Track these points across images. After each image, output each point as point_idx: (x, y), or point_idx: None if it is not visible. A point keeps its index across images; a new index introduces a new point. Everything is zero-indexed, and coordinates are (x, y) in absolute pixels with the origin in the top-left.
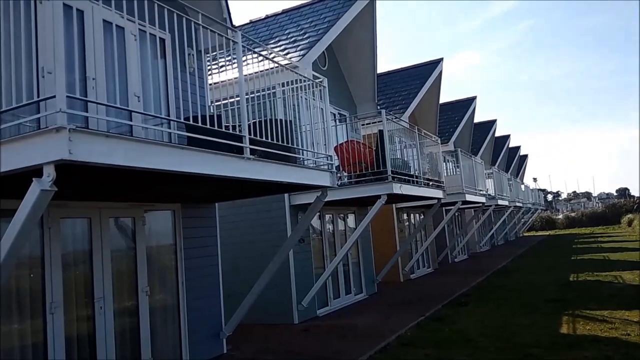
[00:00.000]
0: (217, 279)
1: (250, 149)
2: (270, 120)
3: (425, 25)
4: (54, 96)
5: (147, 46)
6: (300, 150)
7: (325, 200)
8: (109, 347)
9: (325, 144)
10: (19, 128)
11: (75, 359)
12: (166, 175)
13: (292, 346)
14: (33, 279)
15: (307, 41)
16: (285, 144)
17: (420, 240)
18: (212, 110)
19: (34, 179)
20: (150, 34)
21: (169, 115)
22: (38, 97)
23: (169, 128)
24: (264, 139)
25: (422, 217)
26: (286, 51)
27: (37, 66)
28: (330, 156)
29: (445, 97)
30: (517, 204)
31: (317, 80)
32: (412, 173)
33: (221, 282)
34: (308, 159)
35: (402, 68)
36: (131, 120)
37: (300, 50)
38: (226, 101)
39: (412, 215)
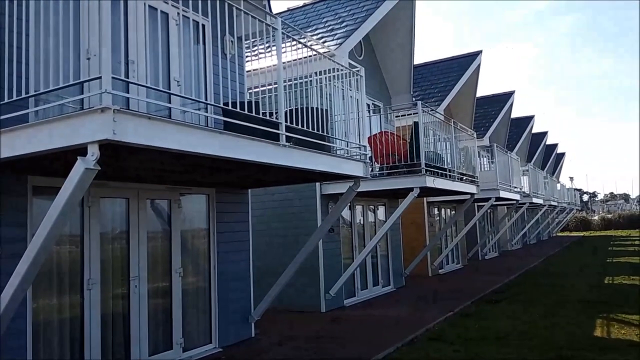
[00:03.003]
0: (247, 264)
1: (286, 136)
2: (306, 108)
3: (464, 18)
4: (99, 77)
5: (188, 32)
6: (335, 140)
7: (357, 190)
8: (142, 325)
9: (359, 134)
10: (62, 108)
11: (110, 336)
12: (202, 159)
13: (318, 334)
14: (72, 256)
15: (344, 30)
16: (320, 133)
17: (450, 236)
18: (249, 97)
19: (78, 157)
20: (192, 19)
21: (206, 100)
22: (81, 79)
23: (207, 113)
24: (299, 126)
25: (454, 212)
26: (323, 39)
27: (82, 49)
28: (364, 146)
29: (483, 91)
30: (552, 203)
31: (354, 69)
32: (445, 167)
33: (251, 268)
34: (341, 149)
35: (439, 60)
36: (170, 103)
37: (338, 38)
38: (264, 88)
39: (443, 210)
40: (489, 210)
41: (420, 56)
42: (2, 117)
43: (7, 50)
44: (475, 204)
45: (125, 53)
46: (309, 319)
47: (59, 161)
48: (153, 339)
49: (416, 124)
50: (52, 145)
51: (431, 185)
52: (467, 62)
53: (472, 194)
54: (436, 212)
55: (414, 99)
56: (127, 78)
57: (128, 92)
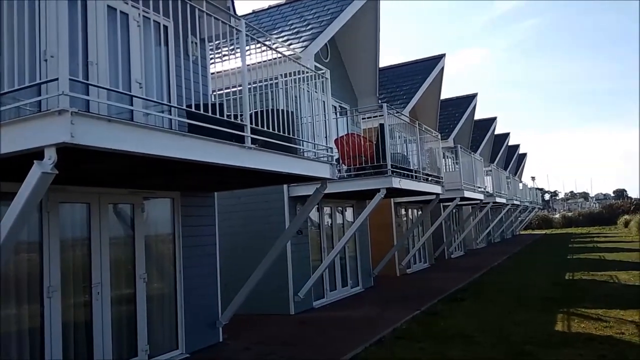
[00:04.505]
0: (214, 268)
1: (252, 138)
2: (272, 110)
3: (430, 21)
4: (57, 79)
5: (149, 33)
6: (301, 142)
7: (325, 192)
8: (106, 333)
9: (326, 136)
10: (19, 111)
11: (72, 345)
12: (166, 162)
13: (287, 337)
14: (31, 263)
15: (309, 33)
16: (286, 135)
17: (417, 236)
18: (213, 99)
19: (35, 161)
20: (153, 20)
21: (170, 102)
22: (38, 80)
23: (170, 115)
24: (265, 128)
25: (420, 212)
26: (289, 42)
27: (39, 50)
28: (331, 148)
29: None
30: (515, 202)
31: (319, 72)
32: (411, 168)
33: (218, 272)
34: (308, 151)
35: (404, 63)
36: (132, 106)
37: (303, 41)
38: (228, 90)
39: (410, 210)
40: (454, 210)
41: (386, 59)
42: None
43: None
44: (441, 204)
45: (85, 54)
46: (277, 322)
47: (15, 165)
48: (117, 347)
49: (382, 125)
50: (8, 149)
51: (397, 186)
52: (431, 65)
53: (437, 194)
54: (403, 212)
55: (379, 101)
56: (87, 80)
57: (88, 94)
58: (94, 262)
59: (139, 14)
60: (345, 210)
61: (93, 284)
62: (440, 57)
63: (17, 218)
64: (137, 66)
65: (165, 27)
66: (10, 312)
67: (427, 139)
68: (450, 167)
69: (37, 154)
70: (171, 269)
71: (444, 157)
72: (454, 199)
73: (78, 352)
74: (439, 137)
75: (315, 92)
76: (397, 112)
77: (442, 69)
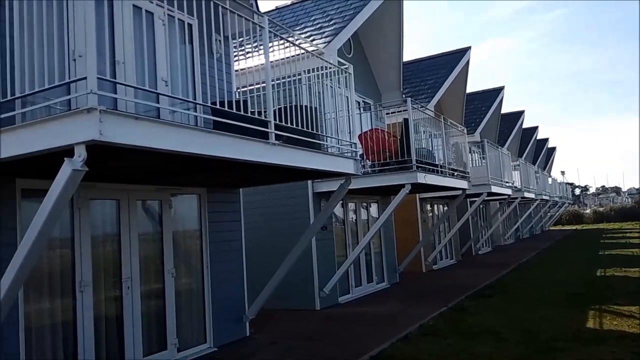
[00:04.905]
0: (240, 263)
1: (275, 134)
2: (295, 106)
3: (455, 12)
4: (85, 78)
5: (174, 31)
6: (325, 137)
7: (349, 188)
8: (136, 327)
9: (350, 132)
10: (49, 110)
11: (103, 338)
12: (191, 159)
13: (313, 332)
14: (63, 259)
15: (332, 28)
16: (310, 131)
17: (443, 232)
18: (238, 96)
19: (65, 158)
20: (178, 19)
21: (195, 100)
22: (67, 80)
23: (195, 112)
24: (289, 125)
25: (446, 208)
26: (312, 38)
27: (68, 50)
28: (355, 143)
29: (472, 85)
30: (544, 197)
31: (342, 67)
32: (437, 163)
33: (244, 267)
34: (332, 146)
35: (428, 56)
36: (158, 103)
37: (326, 37)
38: (252, 87)
39: (435, 206)
40: (481, 206)
41: (410, 53)
42: None
43: None
44: (468, 199)
45: (112, 53)
46: (303, 317)
47: (46, 163)
48: (147, 340)
49: (406, 120)
50: (39, 147)
51: (422, 181)
52: (456, 58)
53: (463, 190)
54: (429, 208)
55: (404, 96)
56: (114, 79)
57: (116, 93)
58: (123, 257)
59: (164, 13)
60: (370, 206)
61: (123, 278)
62: (465, 50)
63: (49, 215)
64: (162, 64)
65: (190, 25)
66: (45, 306)
67: (452, 134)
68: (477, 161)
69: (67, 151)
70: (198, 264)
71: (470, 152)
72: (481, 194)
73: (109, 345)
74: (465, 131)
75: (339, 87)
76: (422, 107)
77: (468, 62)
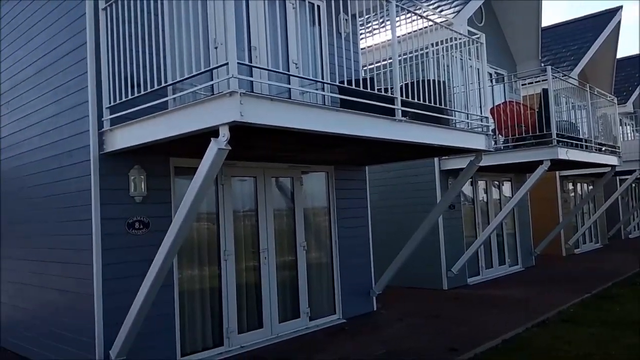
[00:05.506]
0: (367, 239)
1: (402, 111)
2: (422, 81)
3: None
4: (227, 63)
5: (304, 14)
6: (453, 112)
7: (479, 165)
8: (272, 294)
9: (480, 106)
10: (195, 95)
11: (244, 302)
12: (321, 137)
13: (440, 311)
14: (210, 230)
15: None
16: (437, 106)
17: (587, 213)
18: (364, 74)
19: (212, 139)
20: (307, 2)
21: (323, 80)
22: (210, 66)
23: (323, 92)
24: (415, 100)
25: (591, 186)
26: (440, 8)
27: (207, 40)
28: (486, 118)
29: (625, 50)
30: None
31: (474, 37)
32: (580, 137)
33: (371, 244)
34: (461, 121)
35: (571, 20)
36: (289, 84)
37: (455, 6)
38: (378, 64)
39: (578, 185)
40: (633, 184)
41: (549, 17)
42: (145, 105)
43: (147, 44)
44: (617, 177)
45: (248, 40)
46: (430, 296)
47: (194, 143)
48: (282, 307)
49: (545, 91)
50: (189, 129)
51: (564, 157)
52: (604, 19)
53: (612, 166)
54: (570, 186)
55: (542, 65)
56: (250, 63)
57: (252, 77)
58: (261, 230)
59: None
60: (502, 185)
61: (261, 249)
62: (615, 10)
63: (199, 190)
64: (293, 47)
65: (318, 7)
66: (194, 273)
67: (600, 104)
68: (630, 135)
69: (213, 132)
70: (327, 239)
71: (620, 124)
72: (633, 171)
73: (249, 310)
74: (615, 101)
75: (469, 59)
76: (564, 75)
77: (619, 22)
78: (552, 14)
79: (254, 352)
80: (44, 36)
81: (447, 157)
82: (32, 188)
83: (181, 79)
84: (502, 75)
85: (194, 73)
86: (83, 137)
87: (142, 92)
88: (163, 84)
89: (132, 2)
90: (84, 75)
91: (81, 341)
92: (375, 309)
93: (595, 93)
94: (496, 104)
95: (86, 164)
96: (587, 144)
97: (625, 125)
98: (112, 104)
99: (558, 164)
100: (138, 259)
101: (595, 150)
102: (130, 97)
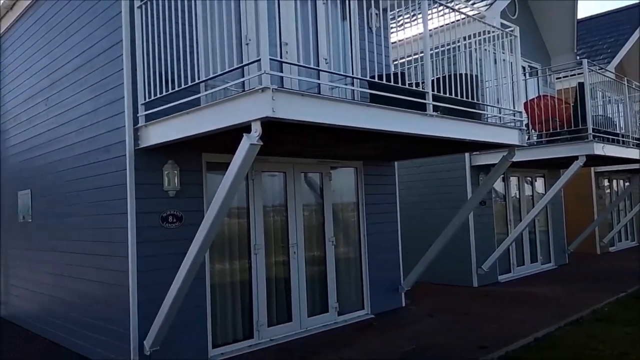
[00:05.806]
0: (396, 235)
1: (433, 105)
2: (454, 75)
3: None
4: (259, 60)
5: (335, 9)
6: (486, 107)
7: (512, 160)
8: (301, 288)
9: (513, 100)
10: (226, 92)
11: (274, 296)
12: (351, 132)
13: (470, 308)
14: (240, 225)
15: None
16: (469, 100)
17: (623, 210)
18: (394, 69)
19: (244, 134)
20: None
21: (353, 75)
22: (242, 63)
23: (353, 87)
24: (447, 95)
25: (628, 183)
26: (471, 1)
27: (240, 36)
28: (520, 112)
29: None
30: None
31: (507, 30)
32: (617, 132)
33: (399, 239)
34: (494, 116)
35: (608, 11)
36: (319, 80)
37: None
38: (409, 58)
39: (614, 181)
40: None
41: (585, 9)
42: (179, 102)
43: (180, 42)
44: None
45: (279, 36)
46: (459, 293)
47: (226, 138)
48: (311, 301)
49: (581, 85)
50: (222, 125)
51: (600, 152)
52: None
53: None
54: (606, 183)
55: (578, 58)
56: (281, 59)
57: (282, 72)
58: (290, 225)
59: None
60: (535, 181)
61: (290, 244)
62: None
63: (231, 184)
64: (323, 43)
65: (348, 2)
66: (226, 266)
67: (637, 98)
68: None
69: (245, 128)
70: (356, 234)
71: None
72: None
73: (279, 303)
74: None
75: (502, 52)
76: (600, 68)
77: None
78: (588, 5)
79: (284, 345)
80: (81, 34)
81: (478, 153)
82: (69, 182)
83: (214, 75)
84: (536, 69)
85: (227, 69)
86: (119, 133)
87: (176, 89)
88: (196, 81)
89: (166, 0)
90: (120, 72)
91: (116, 331)
92: (404, 304)
93: (633, 87)
94: (530, 98)
95: (122, 159)
96: (624, 139)
97: None
98: (147, 100)
99: (594, 160)
100: (171, 252)
101: (633, 145)
102: (164, 93)
